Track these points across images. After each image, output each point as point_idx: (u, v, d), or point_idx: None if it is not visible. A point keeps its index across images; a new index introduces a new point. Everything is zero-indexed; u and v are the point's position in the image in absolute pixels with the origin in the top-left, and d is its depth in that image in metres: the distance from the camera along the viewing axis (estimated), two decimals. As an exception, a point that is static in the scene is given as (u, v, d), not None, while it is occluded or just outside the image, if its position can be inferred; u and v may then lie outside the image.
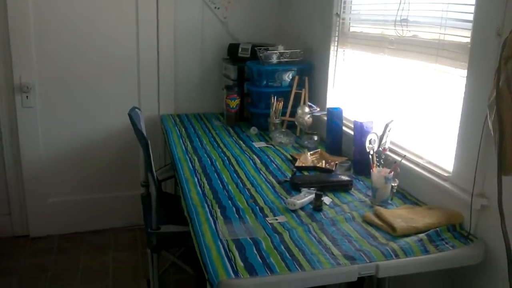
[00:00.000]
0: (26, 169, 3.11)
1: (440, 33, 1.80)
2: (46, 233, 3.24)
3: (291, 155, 2.40)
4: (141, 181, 2.68)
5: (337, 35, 2.65)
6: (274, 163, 2.31)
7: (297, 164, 2.26)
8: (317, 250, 1.48)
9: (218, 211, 1.75)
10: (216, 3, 3.26)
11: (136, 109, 2.44)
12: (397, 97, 2.16)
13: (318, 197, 1.78)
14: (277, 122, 2.78)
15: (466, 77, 1.63)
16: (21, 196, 3.16)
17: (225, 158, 2.36)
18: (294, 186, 1.98)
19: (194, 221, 1.67)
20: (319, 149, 2.45)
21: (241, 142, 2.65)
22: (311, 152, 2.38)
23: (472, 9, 1.60)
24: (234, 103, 2.97)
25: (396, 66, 2.14)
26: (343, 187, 1.98)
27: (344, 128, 2.44)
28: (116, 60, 3.14)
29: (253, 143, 2.63)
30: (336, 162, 2.27)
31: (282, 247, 1.49)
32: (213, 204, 1.81)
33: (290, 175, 2.10)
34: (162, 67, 3.23)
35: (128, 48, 3.14)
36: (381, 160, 1.93)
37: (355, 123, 2.16)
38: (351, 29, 2.57)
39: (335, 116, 2.41)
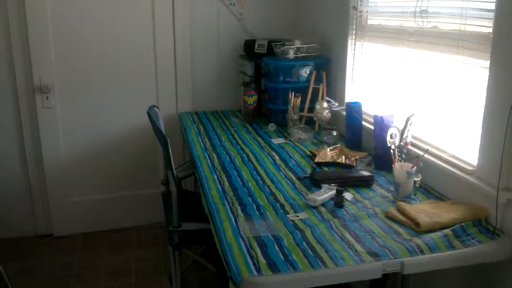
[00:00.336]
0: (48, 169, 3.15)
1: (460, 24, 1.76)
2: (69, 232, 3.28)
3: (310, 151, 2.38)
4: (161, 179, 2.70)
5: (354, 28, 2.61)
6: (293, 159, 2.29)
7: (316, 160, 2.24)
8: (340, 247, 1.46)
9: (239, 208, 1.74)
10: (231, -1, 3.26)
11: (155, 108, 2.45)
12: (417, 90, 2.12)
13: (339, 193, 1.76)
14: (295, 118, 2.76)
15: (489, 68, 1.60)
16: (43, 196, 3.21)
17: (244, 155, 2.35)
18: (315, 182, 1.96)
19: (215, 218, 1.67)
20: (339, 145, 2.42)
21: (260, 139, 2.64)
22: (331, 148, 2.36)
23: (494, -3, 1.56)
24: (252, 100, 2.96)
25: (416, 58, 2.11)
26: (365, 183, 1.95)
27: (363, 122, 2.41)
28: (133, 60, 3.15)
29: (272, 140, 2.62)
30: (356, 157, 2.24)
31: (304, 244, 1.48)
32: (234, 201, 1.81)
33: (310, 171, 2.08)
34: (179, 65, 3.24)
35: (145, 47, 3.15)
36: (403, 155, 1.90)
37: (375, 117, 2.13)
38: (369, 22, 2.54)
39: (354, 110, 2.38)
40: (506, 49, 1.51)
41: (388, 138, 1.92)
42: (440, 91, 1.96)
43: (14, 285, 2.63)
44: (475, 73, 1.73)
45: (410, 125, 1.96)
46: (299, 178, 2.04)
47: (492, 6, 1.57)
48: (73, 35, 3.00)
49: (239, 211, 1.72)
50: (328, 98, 2.67)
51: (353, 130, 2.41)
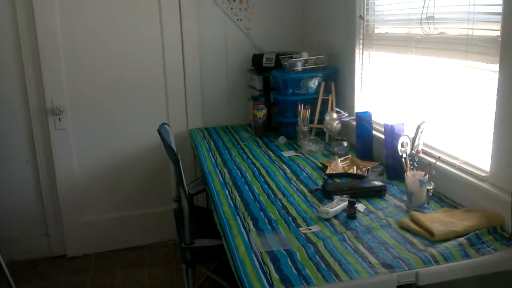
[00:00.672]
0: (61, 189, 3.17)
1: (468, 28, 1.75)
2: (82, 253, 3.29)
3: (321, 163, 2.36)
4: (173, 196, 2.69)
5: (361, 37, 2.61)
6: (304, 171, 2.28)
7: (328, 171, 2.22)
8: (353, 259, 1.44)
9: (251, 223, 1.73)
10: (238, 15, 3.27)
11: (165, 125, 2.46)
12: (427, 97, 2.10)
13: (351, 205, 1.74)
14: (305, 130, 2.75)
15: (499, 71, 1.58)
16: (57, 217, 3.22)
17: (255, 169, 2.34)
18: (326, 194, 1.94)
19: (227, 234, 1.66)
20: (350, 155, 2.40)
21: (270, 152, 2.63)
22: (342, 159, 2.34)
23: (500, 0, 1.55)
24: (261, 114, 2.96)
25: (425, 65, 2.09)
26: (377, 193, 1.93)
27: (374, 132, 2.39)
28: (143, 79, 3.18)
29: (282, 153, 2.61)
30: (368, 167, 2.22)
31: (317, 257, 1.46)
32: (245, 216, 1.79)
33: (321, 183, 2.06)
34: (189, 83, 3.26)
35: (155, 66, 3.18)
36: (415, 163, 1.87)
37: (385, 126, 2.11)
38: (376, 31, 2.53)
39: (364, 120, 2.37)
40: (514, 52, 1.49)
41: (399, 147, 1.89)
42: (450, 97, 1.94)
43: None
44: (484, 78, 1.71)
45: (421, 132, 1.94)
46: (310, 191, 2.02)
47: (499, 9, 1.56)
48: (84, 57, 3.04)
49: (251, 226, 1.70)
50: (337, 109, 2.66)
51: (364, 140, 2.39)
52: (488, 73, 1.68)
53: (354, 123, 2.45)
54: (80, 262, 3.22)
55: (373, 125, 2.39)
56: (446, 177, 1.85)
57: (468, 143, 1.83)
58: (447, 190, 1.87)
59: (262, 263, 1.43)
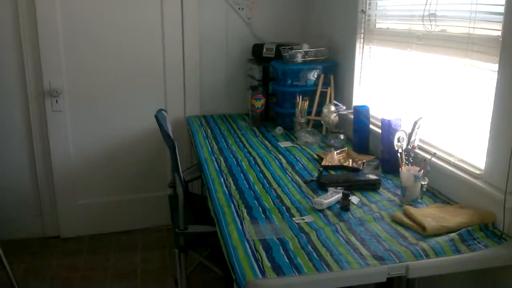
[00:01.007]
0: (56, 171, 3.17)
1: (469, 27, 1.75)
2: (76, 234, 3.30)
3: (317, 155, 2.37)
4: (168, 182, 2.70)
5: (362, 32, 2.61)
6: (300, 162, 2.29)
7: (323, 163, 2.24)
8: (345, 250, 1.45)
9: (245, 211, 1.74)
10: (240, 4, 3.26)
11: (163, 111, 2.46)
12: (425, 94, 2.11)
13: (345, 197, 1.75)
14: (303, 121, 2.76)
15: (498, 71, 1.59)
16: (52, 198, 3.23)
17: (251, 158, 2.35)
18: (321, 186, 1.96)
19: (221, 221, 1.67)
20: (346, 148, 2.42)
21: (267, 142, 2.64)
22: (338, 151, 2.36)
23: (502, 0, 1.55)
24: (259, 103, 2.96)
25: (424, 62, 2.10)
26: (371, 186, 1.94)
27: (371, 126, 2.40)
28: (142, 64, 3.17)
29: (279, 143, 2.62)
30: (363, 161, 2.24)
31: (309, 247, 1.48)
32: (240, 204, 1.80)
33: (316, 175, 2.08)
34: (188, 69, 3.25)
35: (154, 52, 3.17)
36: (410, 158, 1.89)
37: (382, 121, 2.12)
38: (377, 26, 2.53)
39: (361, 114, 2.38)
40: (514, 52, 1.50)
41: (395, 142, 1.91)
42: (448, 95, 1.95)
43: (20, 286, 2.64)
44: (483, 77, 1.72)
45: (417, 128, 1.95)
46: (305, 182, 2.03)
47: (501, 9, 1.56)
48: (83, 41, 3.03)
49: (245, 214, 1.71)
50: (335, 102, 2.67)
51: (361, 134, 2.40)
52: (487, 72, 1.69)
53: (352, 116, 2.46)
54: (74, 243, 3.23)
55: (371, 119, 2.40)
56: (440, 173, 1.87)
57: (464, 140, 1.85)
58: (441, 186, 1.89)
59: (254, 251, 1.45)
